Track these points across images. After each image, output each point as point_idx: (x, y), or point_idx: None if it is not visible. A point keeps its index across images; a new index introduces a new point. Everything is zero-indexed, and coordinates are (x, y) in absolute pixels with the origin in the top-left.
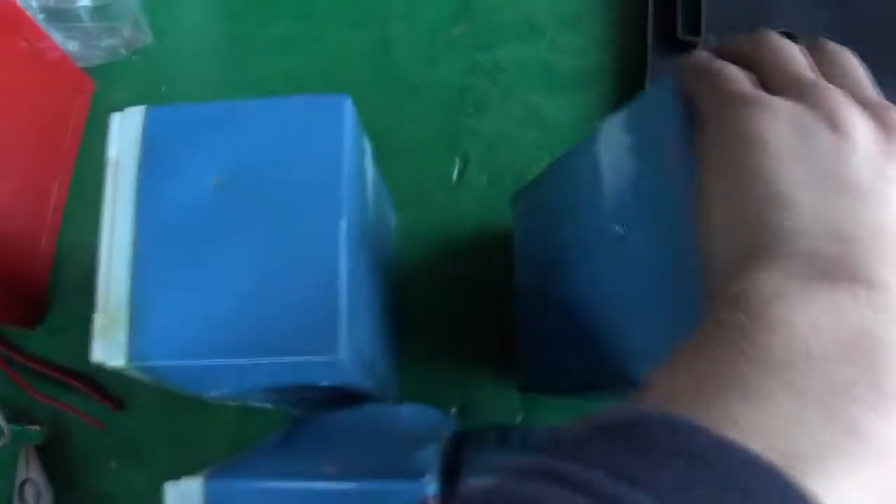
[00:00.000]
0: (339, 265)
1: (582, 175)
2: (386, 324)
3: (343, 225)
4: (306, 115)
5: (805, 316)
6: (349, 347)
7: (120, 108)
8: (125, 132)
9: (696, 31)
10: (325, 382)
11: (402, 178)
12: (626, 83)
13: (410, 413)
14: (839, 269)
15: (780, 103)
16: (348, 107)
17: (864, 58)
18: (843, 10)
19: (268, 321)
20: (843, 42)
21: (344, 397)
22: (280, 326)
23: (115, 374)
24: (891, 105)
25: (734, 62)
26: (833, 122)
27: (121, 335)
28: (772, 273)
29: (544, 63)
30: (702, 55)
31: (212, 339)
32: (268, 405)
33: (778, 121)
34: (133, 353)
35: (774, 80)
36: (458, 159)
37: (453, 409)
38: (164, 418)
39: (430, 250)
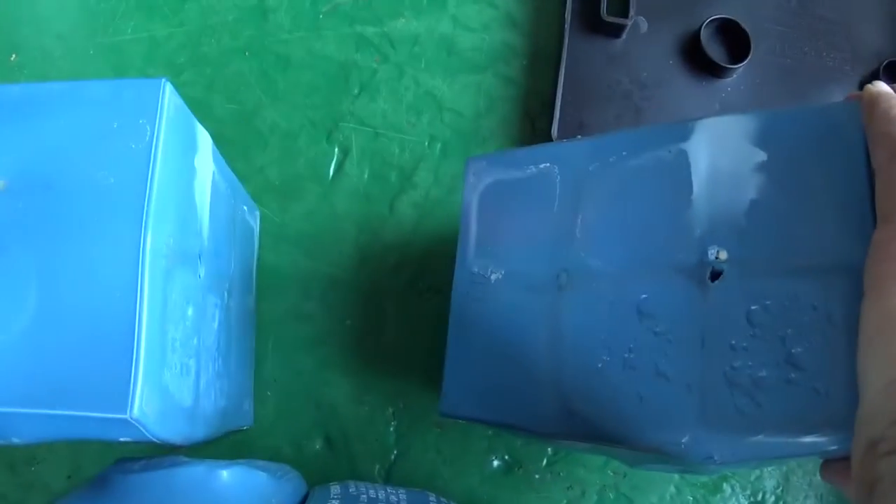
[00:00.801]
0: (140, 295)
1: (643, 173)
2: (229, 347)
3: (146, 243)
4: (115, 103)
5: None
6: (150, 401)
7: None
8: None
9: (623, 12)
10: (125, 439)
11: (269, 169)
12: (538, 67)
13: (233, 479)
14: None
15: None
16: (166, 94)
17: (815, 45)
18: None
19: (52, 364)
20: (795, 24)
21: None
22: (66, 372)
23: None
24: None
25: None
26: None
27: None
28: None
29: (444, 39)
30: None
31: None
32: None
33: None
34: None
35: None
36: (336, 149)
37: (318, 444)
38: None
39: (297, 254)
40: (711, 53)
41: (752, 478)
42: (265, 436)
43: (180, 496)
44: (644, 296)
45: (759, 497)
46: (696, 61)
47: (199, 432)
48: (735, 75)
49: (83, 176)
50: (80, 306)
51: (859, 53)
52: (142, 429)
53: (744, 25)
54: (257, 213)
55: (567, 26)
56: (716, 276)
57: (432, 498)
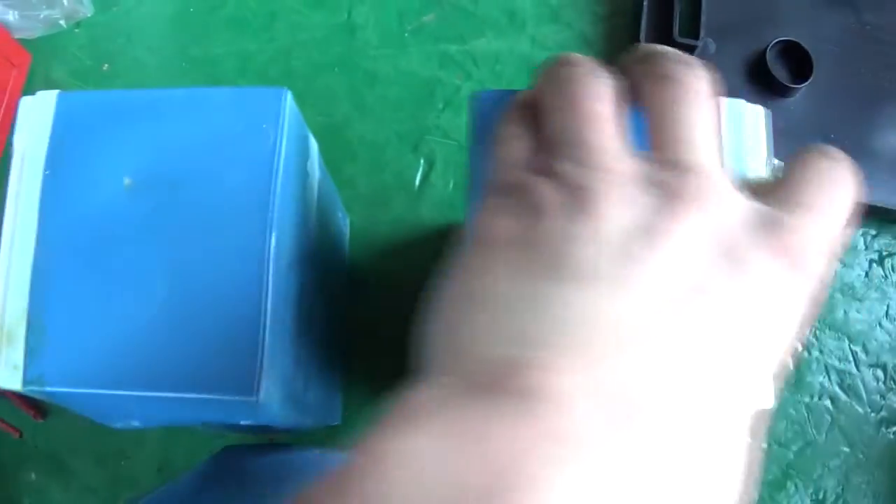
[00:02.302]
0: (266, 289)
1: None
2: (327, 344)
3: (272, 241)
4: (238, 109)
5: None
6: (273, 387)
7: (56, 85)
8: (34, 120)
9: (694, 33)
10: (245, 422)
11: (358, 179)
12: None
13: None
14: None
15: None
16: (287, 102)
17: (870, 65)
18: (854, 13)
19: (179, 350)
20: (854, 46)
21: (274, 429)
22: (193, 358)
23: None
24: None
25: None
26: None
27: (17, 355)
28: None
29: (523, 58)
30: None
31: (115, 366)
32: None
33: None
34: (29, 375)
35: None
36: (422, 160)
37: None
38: (88, 430)
39: (384, 259)
40: (776, 73)
41: (815, 476)
42: (351, 432)
43: (298, 476)
44: None
45: (821, 496)
46: (762, 81)
47: (306, 421)
48: (798, 94)
49: (209, 175)
50: (206, 297)
51: None
52: (265, 412)
53: (806, 47)
54: (348, 220)
55: None
56: None
57: None
